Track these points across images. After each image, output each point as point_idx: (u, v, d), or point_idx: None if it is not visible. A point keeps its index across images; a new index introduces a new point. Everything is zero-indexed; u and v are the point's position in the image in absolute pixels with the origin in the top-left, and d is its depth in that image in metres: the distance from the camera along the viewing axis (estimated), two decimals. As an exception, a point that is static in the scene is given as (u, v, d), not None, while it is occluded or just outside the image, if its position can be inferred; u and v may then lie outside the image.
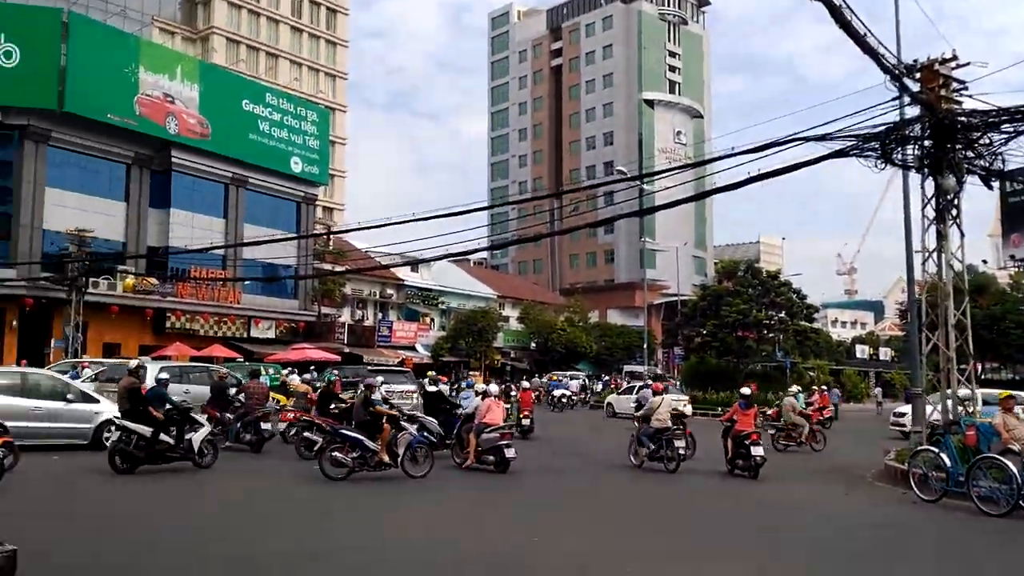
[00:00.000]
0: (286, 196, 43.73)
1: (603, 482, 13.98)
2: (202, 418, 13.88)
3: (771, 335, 50.48)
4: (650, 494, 12.75)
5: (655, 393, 16.01)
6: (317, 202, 49.35)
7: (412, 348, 49.13)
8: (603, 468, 15.46)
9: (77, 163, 35.21)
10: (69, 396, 14.96)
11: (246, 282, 39.50)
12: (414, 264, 46.91)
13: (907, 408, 25.35)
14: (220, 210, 40.41)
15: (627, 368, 52.24)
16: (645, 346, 51.23)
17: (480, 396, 15.11)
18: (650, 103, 78.70)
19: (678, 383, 35.92)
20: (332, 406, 15.21)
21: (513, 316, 59.88)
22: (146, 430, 12.24)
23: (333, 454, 12.23)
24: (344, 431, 12.61)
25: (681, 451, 14.44)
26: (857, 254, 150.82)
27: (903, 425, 24.46)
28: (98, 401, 15.35)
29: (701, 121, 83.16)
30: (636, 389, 26.94)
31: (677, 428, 14.89)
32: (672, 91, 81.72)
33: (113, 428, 13.46)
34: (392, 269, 48.58)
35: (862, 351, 69.75)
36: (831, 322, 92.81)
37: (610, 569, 7.44)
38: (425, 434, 13.92)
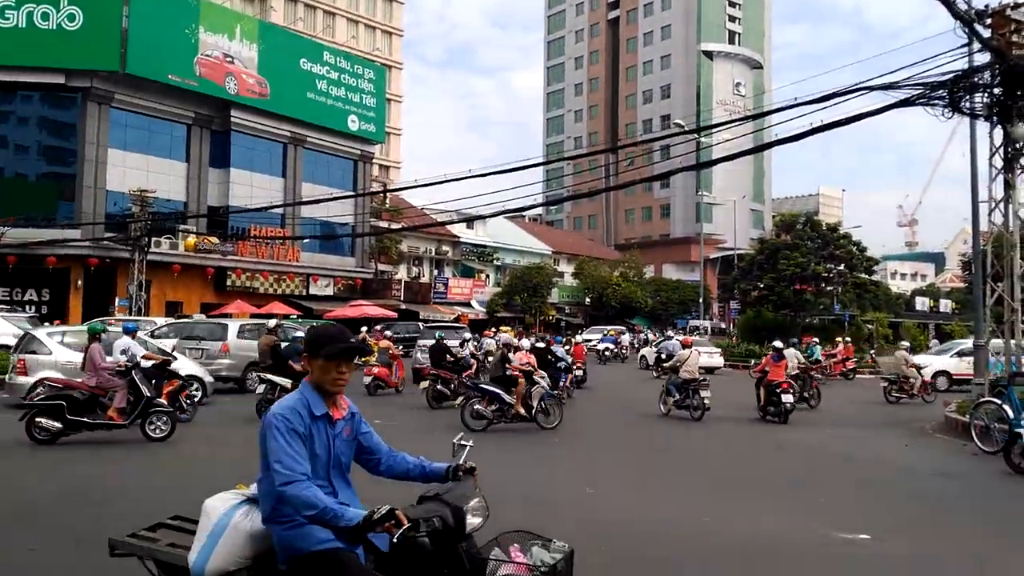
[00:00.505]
0: (343, 154, 44.32)
1: (640, 427, 14.61)
2: None
3: (829, 288, 49.78)
4: (684, 438, 13.22)
5: (684, 347, 16.55)
6: (374, 160, 49.90)
7: (467, 304, 49.81)
8: (637, 416, 16.03)
9: (139, 124, 36.10)
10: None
11: (304, 240, 40.11)
12: (469, 221, 47.36)
13: (917, 359, 23.64)
14: (279, 169, 41.16)
15: (690, 323, 52.04)
16: (701, 300, 51.06)
17: (512, 351, 15.49)
18: (709, 54, 76.99)
19: (707, 337, 36.28)
20: (448, 359, 16.92)
21: (568, 272, 60.12)
22: (286, 382, 13.26)
23: (475, 407, 12.96)
24: (484, 386, 13.34)
25: (707, 401, 15.01)
26: (919, 206, 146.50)
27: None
28: (175, 359, 15.16)
29: (761, 72, 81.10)
30: (659, 342, 29.14)
31: (704, 379, 15.46)
32: (732, 42, 79.75)
33: (258, 381, 14.85)
34: (448, 226, 49.08)
35: (922, 303, 68.22)
36: (891, 275, 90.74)
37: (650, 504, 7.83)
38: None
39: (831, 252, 49.22)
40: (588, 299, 56.48)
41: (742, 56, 79.49)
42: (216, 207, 38.09)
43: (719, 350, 31.60)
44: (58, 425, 10.42)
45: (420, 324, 28.41)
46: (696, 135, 38.12)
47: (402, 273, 49.58)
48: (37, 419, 10.44)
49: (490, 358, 17.33)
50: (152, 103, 36.18)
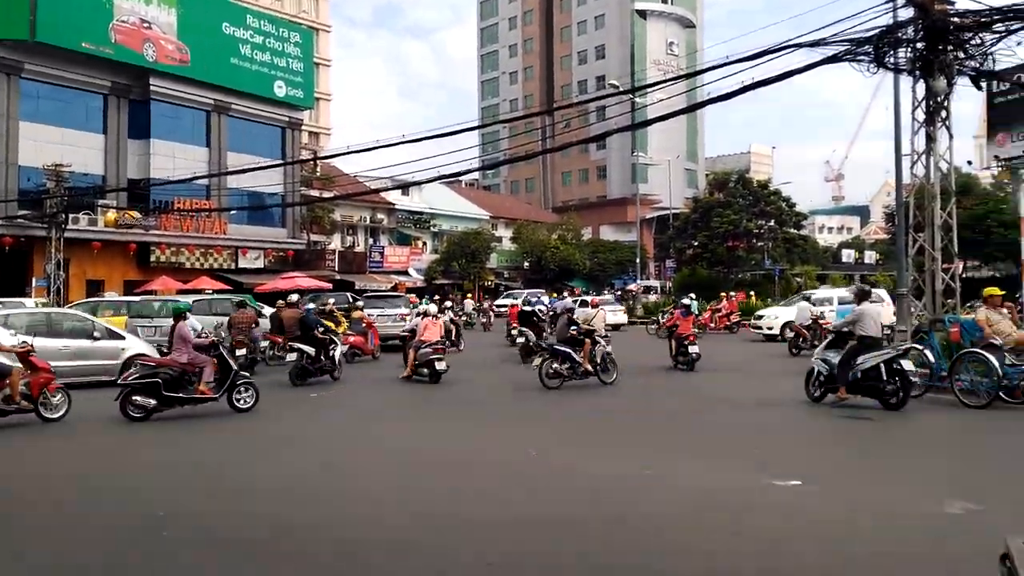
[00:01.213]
0: (270, 122, 43.09)
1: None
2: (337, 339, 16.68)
3: (760, 244, 50.97)
4: (601, 392, 14.07)
5: (592, 307, 17.50)
6: (303, 127, 48.67)
7: (405, 272, 49.36)
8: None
9: (52, 95, 34.42)
10: (96, 334, 14.97)
11: (232, 212, 39.00)
12: (404, 187, 46.67)
13: (767, 311, 27.16)
14: (202, 139, 39.82)
15: (640, 283, 52.55)
16: (638, 261, 51.57)
17: (420, 316, 16.91)
18: (643, 13, 76.87)
19: (614, 298, 38.16)
20: (535, 320, 19.66)
21: (506, 236, 60.01)
22: (311, 350, 15.28)
23: (553, 367, 14.23)
24: (558, 347, 14.58)
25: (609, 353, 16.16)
26: (845, 160, 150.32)
27: (760, 328, 26.06)
28: (124, 338, 15.50)
29: (693, 31, 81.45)
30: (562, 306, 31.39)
31: (607, 335, 16.63)
32: (664, 1, 79.79)
33: (289, 350, 15.82)
34: (382, 193, 48.32)
35: (848, 255, 70.33)
36: (818, 229, 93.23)
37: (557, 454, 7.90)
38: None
39: (762, 209, 50.29)
40: (527, 263, 56.55)
41: (675, 15, 79.65)
42: (137, 180, 36.64)
43: (622, 307, 35.24)
44: (153, 402, 10.94)
45: (349, 295, 27.95)
46: (631, 95, 38.15)
47: (336, 243, 48.75)
48: (133, 397, 10.90)
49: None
50: (65, 73, 34.49)
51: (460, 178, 59.17)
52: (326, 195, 44.00)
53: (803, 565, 4.94)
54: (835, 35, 14.26)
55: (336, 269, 44.91)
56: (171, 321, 12.02)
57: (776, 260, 50.92)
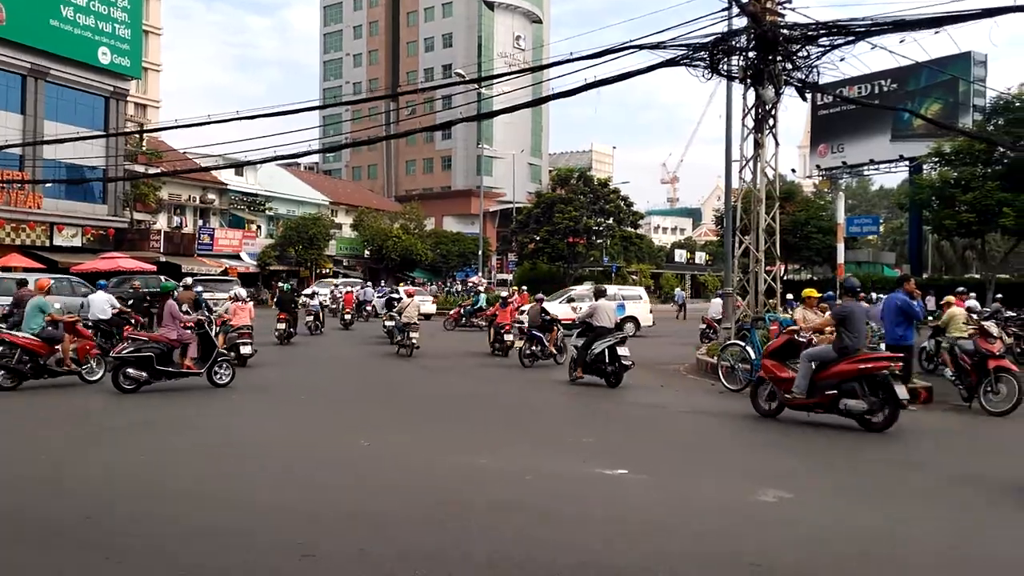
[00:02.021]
0: (93, 91, 39.49)
1: (365, 364, 17.25)
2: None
3: (599, 241, 52.52)
4: (418, 378, 14.76)
5: (408, 296, 19.46)
6: (129, 98, 44.99)
7: (236, 257, 46.89)
8: (368, 355, 18.78)
9: None
10: None
11: (47, 185, 35.77)
12: (238, 167, 44.24)
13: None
14: (17, 105, 35.96)
15: (496, 276, 52.67)
16: (480, 253, 51.70)
17: (231, 301, 17.01)
18: (490, 5, 77.07)
19: (431, 288, 39.31)
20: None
21: (346, 223, 58.38)
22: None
23: (531, 348, 16.42)
24: (535, 332, 16.58)
25: (415, 340, 17.96)
26: (680, 164, 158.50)
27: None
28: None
29: (541, 27, 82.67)
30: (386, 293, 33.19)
31: (415, 323, 18.30)
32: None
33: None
34: (214, 172, 45.68)
35: (680, 255, 74.11)
36: (654, 228, 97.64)
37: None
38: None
39: (602, 207, 51.81)
40: (368, 251, 55.29)
41: (522, 9, 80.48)
42: (-63, 146, 32.58)
43: (431, 298, 37.07)
44: (144, 375, 11.53)
45: (163, 278, 26.14)
46: (477, 86, 38.12)
47: (162, 223, 45.50)
48: (127, 370, 11.41)
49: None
50: None
51: (299, 160, 57.03)
52: (152, 171, 40.93)
53: (629, 550, 4.93)
54: (674, 39, 14.63)
55: (162, 250, 41.95)
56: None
57: (614, 257, 52.70)
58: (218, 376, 12.28)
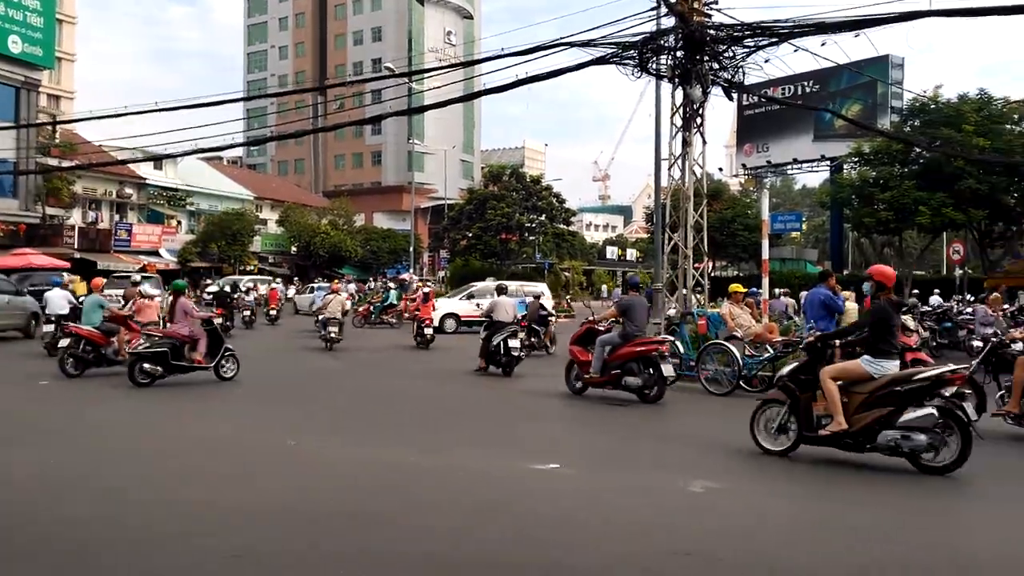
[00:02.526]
0: (3, 80, 37.53)
1: (295, 359, 17.54)
2: None
3: (532, 238, 52.65)
4: (337, 372, 15.29)
5: (331, 292, 20.83)
6: (41, 88, 42.97)
7: (156, 253, 45.31)
8: (297, 350, 19.30)
9: None
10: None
11: (-48, 177, 33.95)
12: (157, 160, 42.70)
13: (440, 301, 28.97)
14: (-81, 93, 34.02)
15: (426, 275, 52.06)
16: (411, 250, 51.21)
17: (139, 297, 17.14)
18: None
19: (352, 285, 38.63)
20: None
21: (272, 219, 57.00)
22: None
23: (531, 339, 17.41)
24: (534, 326, 17.99)
25: (334, 335, 18.77)
26: (611, 161, 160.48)
27: None
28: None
29: (472, 23, 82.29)
30: (312, 290, 33.71)
31: (337, 318, 19.07)
32: (442, -11, 79.87)
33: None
34: (132, 166, 43.98)
35: (612, 252, 74.93)
36: (586, 226, 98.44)
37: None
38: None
39: (534, 203, 51.94)
40: (294, 248, 54.12)
41: (453, 4, 79.99)
42: None
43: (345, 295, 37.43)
44: (160, 369, 11.97)
45: (66, 275, 25.16)
46: (408, 80, 37.62)
47: (76, 218, 43.63)
48: (143, 365, 11.86)
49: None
50: None
51: (222, 154, 55.41)
52: (66, 164, 39.17)
53: (561, 541, 4.80)
54: (604, 37, 14.67)
55: (76, 247, 40.21)
56: None
57: (546, 254, 52.89)
58: (224, 370, 12.73)
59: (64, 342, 13.15)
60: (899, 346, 7.59)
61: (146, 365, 11.86)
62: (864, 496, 6.40)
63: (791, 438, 7.40)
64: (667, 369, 10.78)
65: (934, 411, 6.61)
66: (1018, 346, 11.16)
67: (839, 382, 7.06)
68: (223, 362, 12.74)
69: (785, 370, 7.63)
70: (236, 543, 4.89)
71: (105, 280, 17.84)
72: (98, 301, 13.88)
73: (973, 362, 10.85)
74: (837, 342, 7.68)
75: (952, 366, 7.09)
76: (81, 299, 16.29)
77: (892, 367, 7.01)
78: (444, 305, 25.74)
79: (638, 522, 5.51)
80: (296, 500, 5.95)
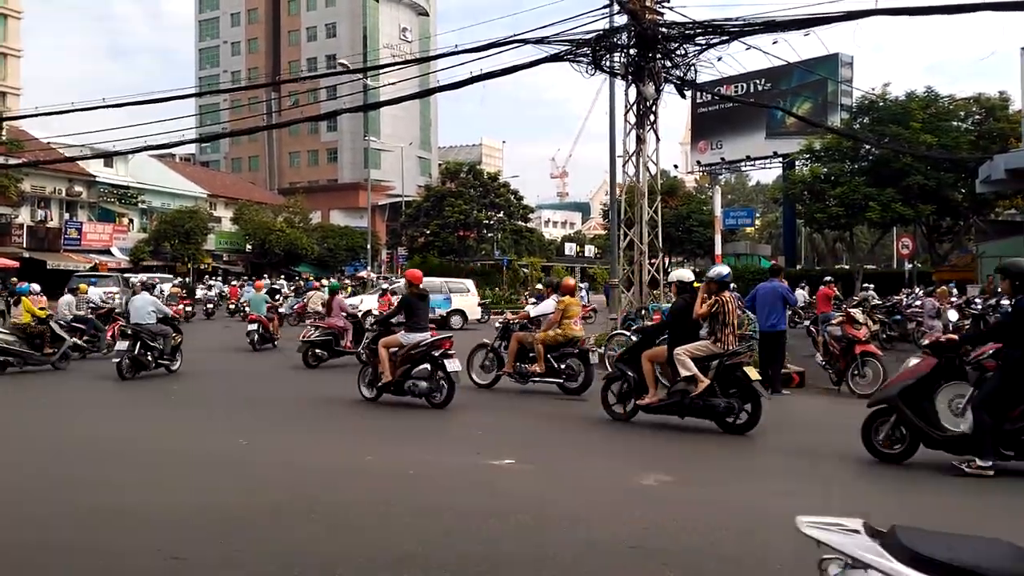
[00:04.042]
0: (-61, 73, 36.42)
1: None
2: None
3: (490, 234, 52.67)
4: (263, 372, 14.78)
5: (257, 290, 20.70)
6: (-17, 83, 41.80)
7: (107, 252, 44.35)
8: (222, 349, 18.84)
9: None
10: None
11: None
12: (107, 157, 41.73)
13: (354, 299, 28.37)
14: None
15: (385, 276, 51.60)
16: (369, 247, 50.83)
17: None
18: (374, -5, 75.78)
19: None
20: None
21: (226, 217, 56.13)
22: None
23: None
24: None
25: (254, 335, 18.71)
26: (569, 159, 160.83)
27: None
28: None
29: (427, 20, 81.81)
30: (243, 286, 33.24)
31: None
32: (397, -16, 79.26)
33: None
34: (81, 164, 42.98)
35: (570, 248, 75.21)
36: (544, 222, 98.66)
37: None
38: None
39: (492, 200, 52.00)
40: (249, 246, 53.37)
41: (408, 1, 79.46)
42: None
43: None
44: (326, 354, 14.92)
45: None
46: (363, 76, 37.28)
47: (25, 216, 42.53)
48: (314, 350, 14.83)
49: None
50: None
51: (173, 151, 54.39)
52: (13, 162, 38.08)
53: (513, 539, 4.80)
54: (558, 35, 14.74)
55: (25, 246, 39.24)
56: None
57: (505, 250, 52.94)
58: (364, 356, 13.25)
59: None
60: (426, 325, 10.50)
61: (317, 350, 14.77)
62: (814, 487, 6.54)
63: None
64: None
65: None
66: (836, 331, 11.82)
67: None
68: (362, 350, 13.58)
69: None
70: (174, 544, 4.81)
71: (267, 281, 19.84)
72: (263, 298, 18.45)
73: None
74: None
75: None
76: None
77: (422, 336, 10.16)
78: (365, 301, 24.01)
79: (584, 516, 5.54)
80: (242, 502, 5.89)
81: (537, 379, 11.28)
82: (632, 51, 14.93)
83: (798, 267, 43.99)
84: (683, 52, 14.78)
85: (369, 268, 48.11)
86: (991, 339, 6.99)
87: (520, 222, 55.13)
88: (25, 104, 58.32)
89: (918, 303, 18.98)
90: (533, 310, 12.96)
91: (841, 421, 10.06)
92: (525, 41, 14.88)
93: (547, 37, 14.75)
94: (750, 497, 6.13)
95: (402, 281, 19.96)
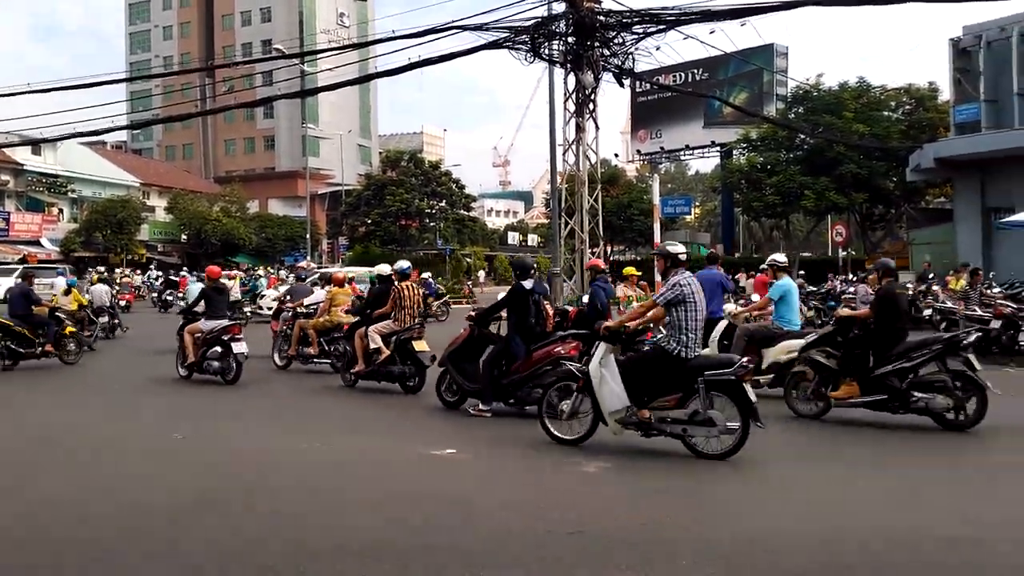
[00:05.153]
0: None
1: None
2: None
3: (432, 224, 52.38)
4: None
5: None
6: None
7: (37, 243, 42.76)
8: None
9: None
10: None
11: None
12: (34, 144, 40.11)
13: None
14: None
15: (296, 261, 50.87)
16: (308, 237, 50.05)
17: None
18: (310, -22, 74.26)
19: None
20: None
21: (160, 206, 54.57)
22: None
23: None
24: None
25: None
26: (511, 147, 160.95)
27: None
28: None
29: (365, 4, 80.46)
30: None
31: None
32: (335, -31, 77.80)
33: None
34: (6, 150, 41.27)
35: (513, 238, 75.27)
36: (487, 211, 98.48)
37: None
38: None
39: (434, 189, 51.64)
40: (185, 236, 52.03)
41: (346, -15, 78.15)
42: None
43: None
44: None
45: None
46: (300, 62, 36.57)
47: (-55, 207, 40.72)
48: None
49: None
50: None
51: (104, 138, 52.64)
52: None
53: (440, 529, 4.72)
54: (496, 22, 14.67)
55: (-54, 237, 37.53)
56: None
57: (447, 240, 52.67)
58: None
59: None
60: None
61: None
62: (748, 471, 6.62)
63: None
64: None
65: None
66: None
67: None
68: None
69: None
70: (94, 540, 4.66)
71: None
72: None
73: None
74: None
75: None
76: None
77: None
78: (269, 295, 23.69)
79: (531, 502, 5.57)
80: (190, 492, 5.71)
81: (314, 361, 12.56)
82: (570, 39, 14.95)
83: (737, 255, 44.77)
84: (621, 41, 14.88)
85: (309, 258, 47.38)
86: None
87: (462, 211, 54.88)
88: (-56, 89, 55.74)
89: (851, 289, 19.51)
90: (308, 299, 13.88)
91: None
92: (464, 27, 14.78)
93: (486, 24, 14.69)
94: (678, 481, 6.13)
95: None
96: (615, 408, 6.75)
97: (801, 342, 9.04)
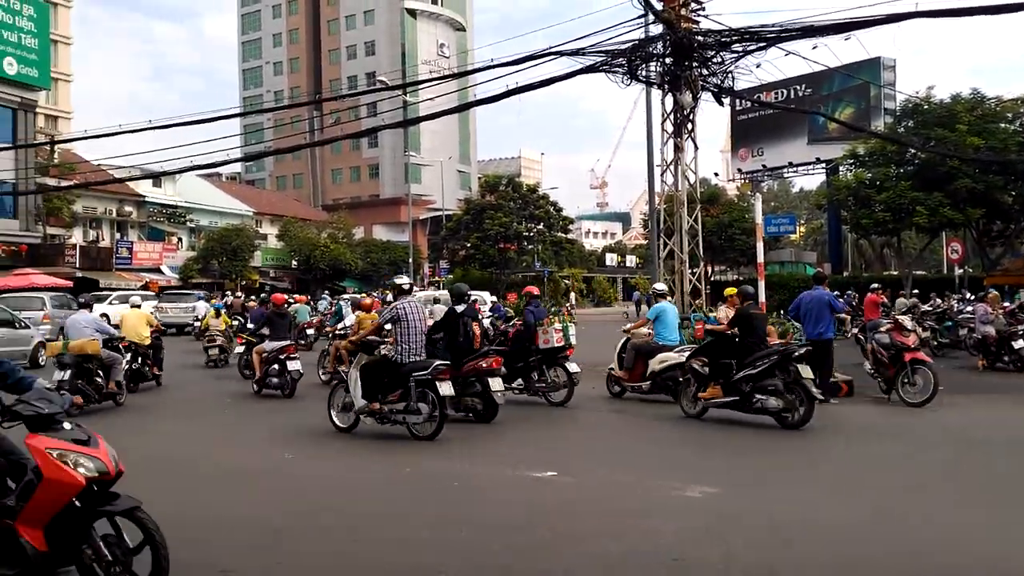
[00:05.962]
0: (0, 102, 37.76)
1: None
2: None
3: (530, 246, 52.76)
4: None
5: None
6: (38, 109, 43.20)
7: (158, 270, 45.43)
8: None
9: None
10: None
11: (-47, 200, 34.00)
12: (154, 177, 42.79)
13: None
14: (-81, 119, 34.13)
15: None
16: (411, 261, 51.28)
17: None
18: (412, 12, 76.66)
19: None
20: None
21: (272, 234, 57.14)
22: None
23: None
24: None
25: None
26: (608, 169, 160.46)
27: None
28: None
29: (464, 35, 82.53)
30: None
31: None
32: (434, 2, 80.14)
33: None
34: (131, 184, 44.18)
35: (611, 259, 74.93)
36: (585, 233, 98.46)
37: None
38: None
39: (531, 212, 52.09)
40: (295, 262, 54.23)
41: (445, 17, 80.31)
42: None
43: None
44: None
45: (48, 297, 24.73)
46: (402, 92, 37.82)
47: (77, 237, 43.79)
48: None
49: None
50: None
51: (220, 171, 55.55)
52: (65, 184, 39.28)
53: (551, 552, 4.78)
54: (593, 46, 14.75)
55: (77, 265, 40.34)
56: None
57: (545, 262, 52.96)
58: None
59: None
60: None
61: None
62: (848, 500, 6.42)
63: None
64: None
65: None
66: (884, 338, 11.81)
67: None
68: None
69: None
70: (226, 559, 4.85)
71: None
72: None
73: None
74: None
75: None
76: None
77: None
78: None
79: (634, 527, 5.54)
80: (304, 516, 5.96)
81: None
82: (668, 60, 14.90)
83: (845, 274, 43.17)
84: (720, 60, 14.71)
85: (412, 281, 48.47)
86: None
87: (560, 233, 55.10)
88: (76, 127, 60.34)
89: (969, 308, 18.50)
90: (342, 323, 15.75)
91: (883, 431, 9.85)
92: (561, 53, 14.91)
93: (582, 48, 14.77)
94: (801, 511, 6.01)
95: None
96: (360, 403, 8.80)
97: (673, 354, 11.01)
